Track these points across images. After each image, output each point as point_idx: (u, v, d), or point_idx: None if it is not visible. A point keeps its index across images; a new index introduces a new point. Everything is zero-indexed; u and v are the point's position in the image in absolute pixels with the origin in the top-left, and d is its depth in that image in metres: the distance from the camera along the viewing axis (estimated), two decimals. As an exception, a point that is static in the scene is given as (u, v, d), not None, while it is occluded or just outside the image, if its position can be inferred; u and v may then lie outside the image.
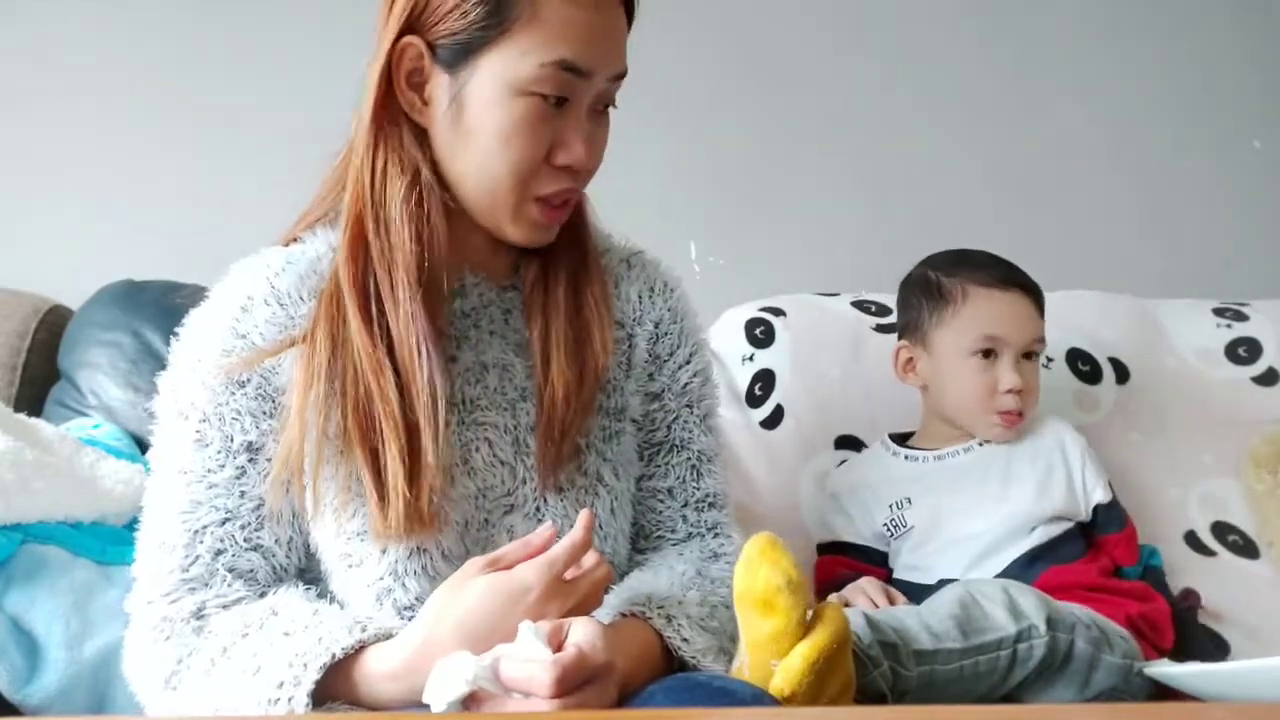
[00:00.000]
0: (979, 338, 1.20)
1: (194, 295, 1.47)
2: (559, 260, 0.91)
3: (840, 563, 1.23)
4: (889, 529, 1.22)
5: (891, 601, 1.09)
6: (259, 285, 0.83)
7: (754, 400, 1.43)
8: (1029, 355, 1.22)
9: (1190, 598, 1.24)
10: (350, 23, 1.75)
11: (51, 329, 1.47)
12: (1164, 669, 1.01)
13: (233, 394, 0.81)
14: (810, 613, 0.76)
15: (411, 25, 0.81)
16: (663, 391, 0.97)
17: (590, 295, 0.91)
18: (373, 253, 0.81)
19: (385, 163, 0.81)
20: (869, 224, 1.80)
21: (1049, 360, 1.46)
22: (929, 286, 1.26)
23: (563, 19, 0.78)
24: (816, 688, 0.73)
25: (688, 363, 0.98)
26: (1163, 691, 1.00)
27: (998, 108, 1.83)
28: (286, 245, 0.88)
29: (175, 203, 1.69)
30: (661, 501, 0.96)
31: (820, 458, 1.39)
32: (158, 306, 1.42)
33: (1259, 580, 1.27)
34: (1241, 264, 1.75)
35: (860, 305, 1.53)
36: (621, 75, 0.84)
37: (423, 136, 0.83)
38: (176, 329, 0.88)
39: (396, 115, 0.82)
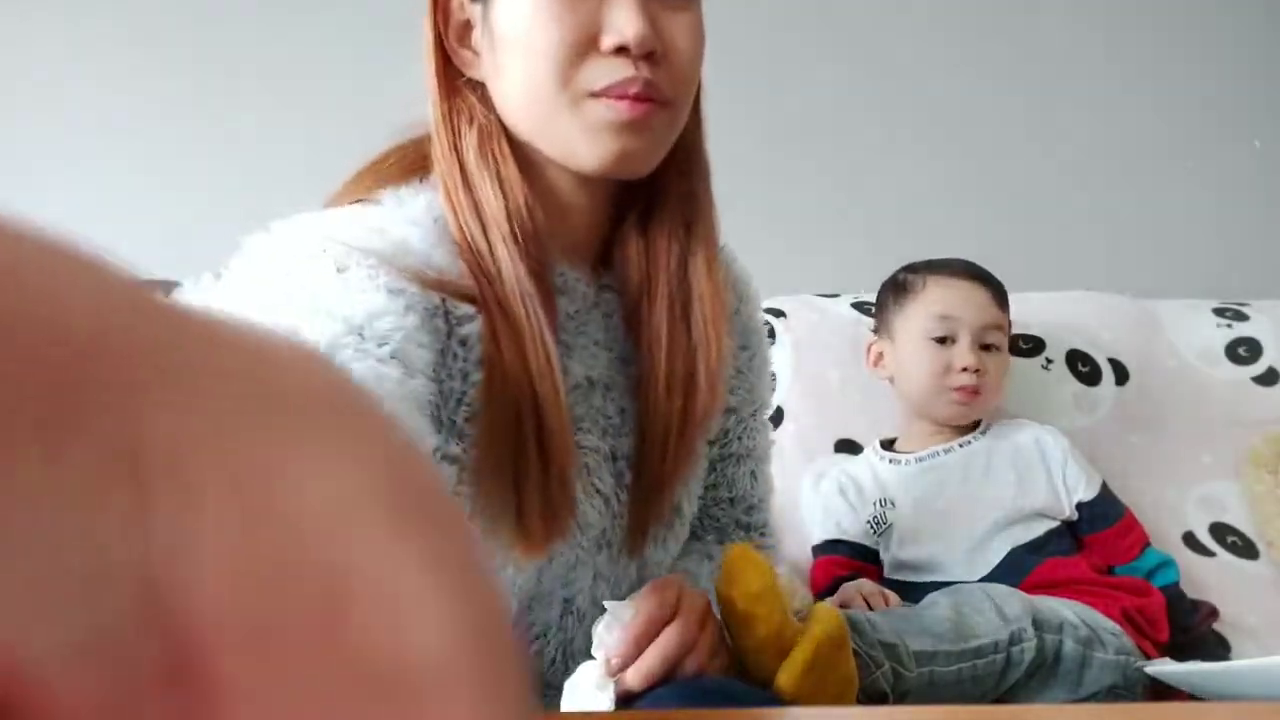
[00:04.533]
0: (934, 318, 1.24)
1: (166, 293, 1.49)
2: (664, 249, 0.75)
3: (836, 562, 1.25)
4: (873, 526, 1.24)
5: (886, 602, 1.10)
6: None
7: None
8: (987, 348, 1.25)
9: (1207, 613, 1.24)
10: (353, 22, 1.79)
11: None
12: (1163, 668, 1.01)
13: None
14: (805, 612, 0.75)
15: None
16: (740, 404, 0.88)
17: (701, 309, 0.75)
18: (465, 213, 0.69)
19: (456, 123, 0.71)
20: (868, 226, 1.80)
21: (1049, 362, 1.46)
22: (897, 284, 1.33)
23: None
24: (817, 687, 0.73)
25: (764, 367, 0.91)
26: (1162, 690, 1.00)
27: (995, 108, 1.83)
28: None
29: (170, 197, 1.69)
30: (721, 509, 0.91)
31: (819, 461, 1.40)
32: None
33: (1259, 581, 1.28)
34: (1242, 264, 1.75)
35: (860, 306, 1.53)
36: None
37: (484, 91, 0.72)
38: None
39: (455, 77, 0.72)
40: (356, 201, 0.70)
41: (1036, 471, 1.23)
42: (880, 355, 1.32)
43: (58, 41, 1.71)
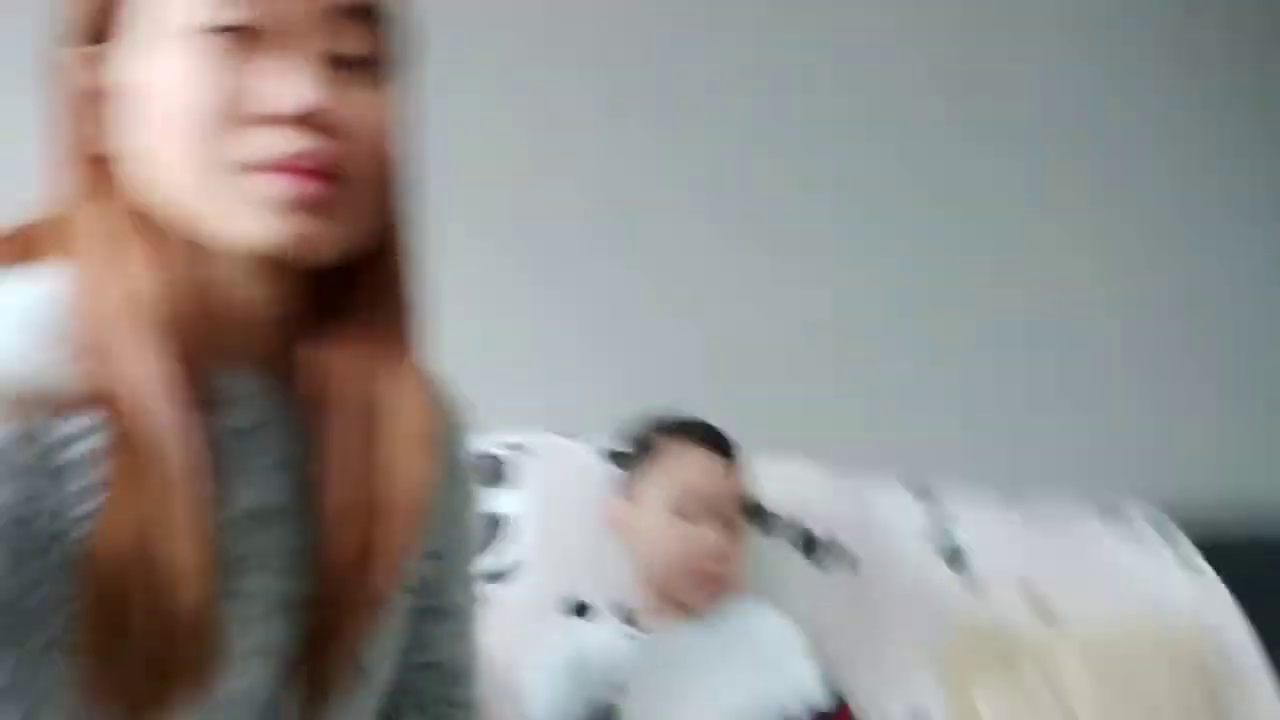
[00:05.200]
0: (678, 488, 1.20)
1: None
2: (348, 352, 0.65)
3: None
4: (598, 713, 1.15)
5: None
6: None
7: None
8: (729, 523, 1.22)
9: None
10: None
11: None
12: None
13: None
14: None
15: (71, 31, 0.62)
16: (446, 548, 0.77)
17: (391, 426, 0.65)
18: (86, 304, 0.58)
19: (79, 200, 0.62)
20: (613, 364, 1.75)
21: (769, 529, 1.46)
22: (640, 441, 1.29)
23: None
24: None
25: (474, 509, 0.82)
26: None
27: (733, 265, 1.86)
28: None
29: None
30: (422, 678, 0.78)
31: (547, 622, 1.29)
32: None
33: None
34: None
35: (603, 454, 1.46)
36: (358, 9, 0.60)
37: (115, 164, 0.61)
38: None
39: (85, 145, 0.62)
40: None
41: (780, 667, 1.20)
42: (619, 518, 1.25)
43: None
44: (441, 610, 0.78)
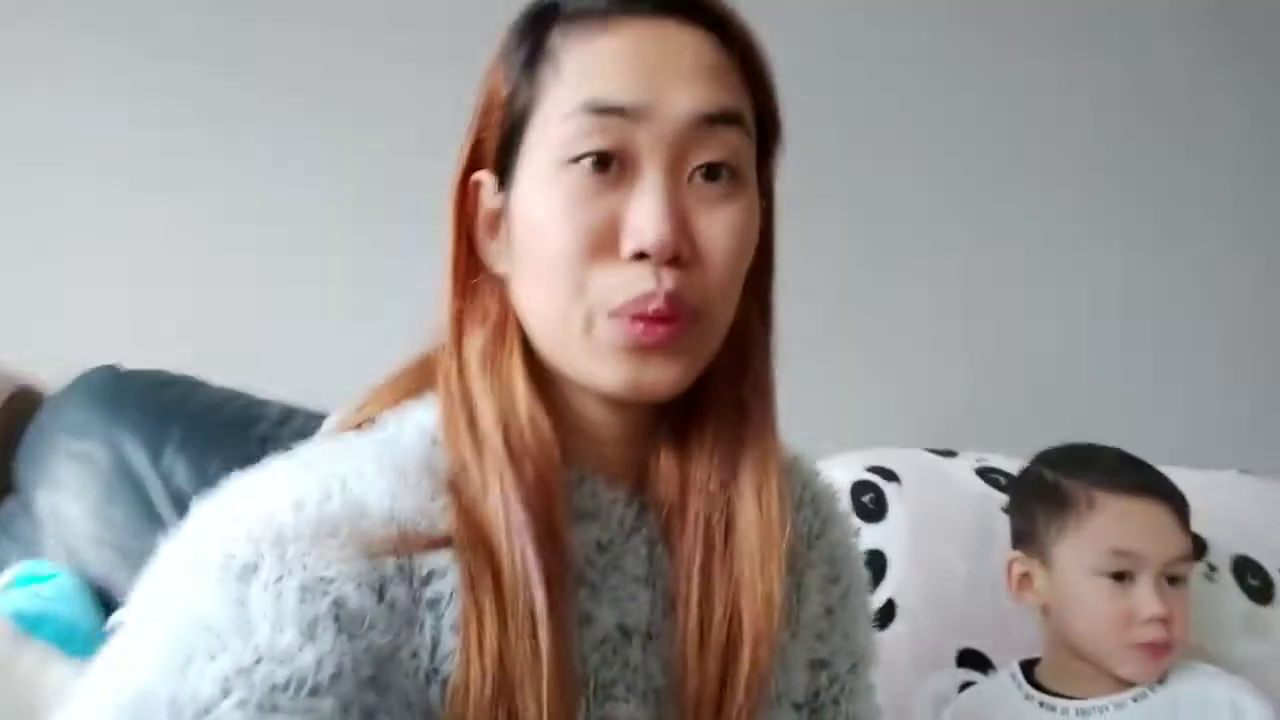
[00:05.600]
0: (1108, 554, 0.99)
1: (188, 391, 1.22)
2: (701, 466, 0.63)
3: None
4: None
5: None
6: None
7: (859, 589, 1.18)
8: (1173, 580, 1.01)
9: None
10: (383, 100, 1.55)
11: (15, 418, 1.20)
12: None
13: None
14: None
15: (476, 155, 0.62)
16: (833, 655, 0.73)
17: (746, 544, 0.62)
18: (459, 430, 0.59)
19: (467, 323, 0.63)
20: (972, 366, 1.55)
21: (1212, 569, 1.21)
22: (1046, 489, 1.06)
23: (584, 59, 0.58)
24: None
25: (862, 606, 0.76)
26: None
27: (1125, 234, 1.60)
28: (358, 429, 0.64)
29: (185, 278, 1.44)
30: None
31: (939, 677, 1.14)
32: (144, 408, 1.16)
33: None
34: None
35: (986, 476, 1.28)
36: (719, 117, 0.58)
37: (504, 286, 0.62)
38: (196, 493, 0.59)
39: (477, 271, 0.63)
40: (361, 424, 0.63)
41: None
42: (1026, 578, 1.06)
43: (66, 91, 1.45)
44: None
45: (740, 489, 0.62)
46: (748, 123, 0.60)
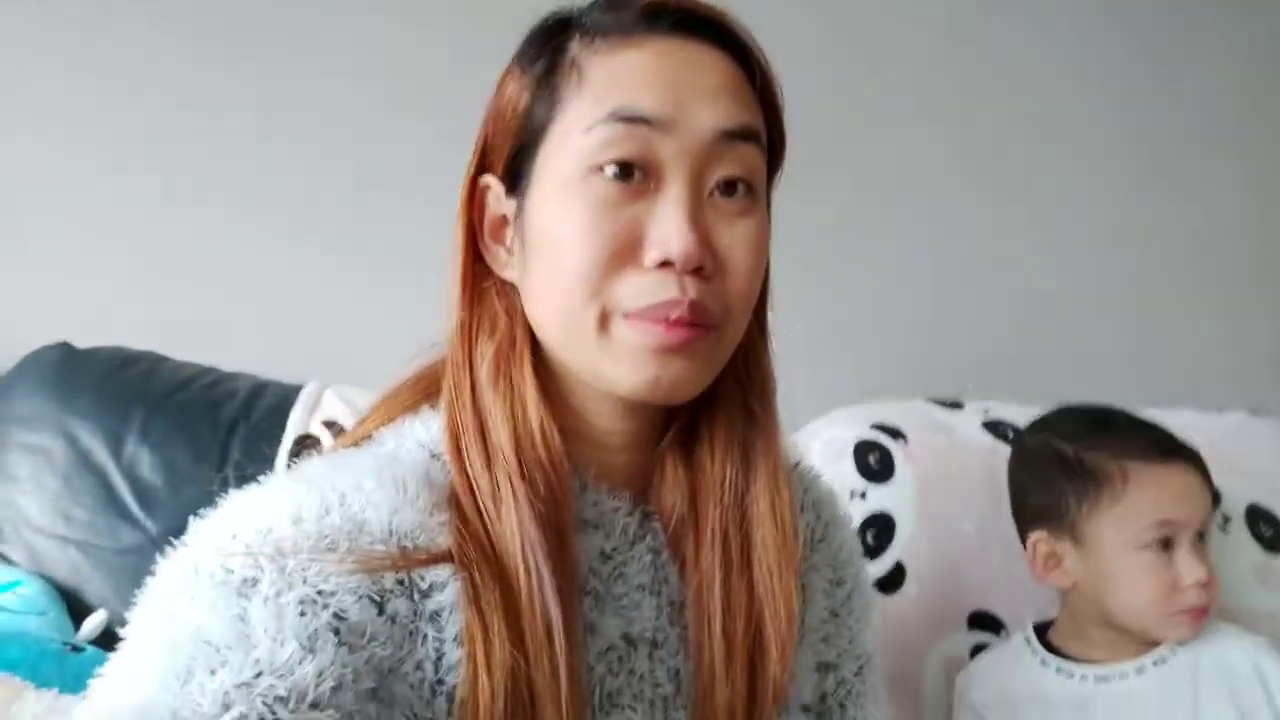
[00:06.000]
0: (1153, 526, 0.96)
1: (149, 370, 1.14)
2: (716, 478, 0.64)
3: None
4: None
5: None
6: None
7: (866, 552, 1.14)
8: (1201, 536, 0.99)
9: None
10: (351, 76, 1.44)
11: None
12: None
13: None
14: None
15: (485, 160, 0.63)
16: (839, 658, 0.74)
17: (765, 558, 0.63)
18: (468, 442, 0.60)
19: (475, 333, 0.63)
20: (971, 311, 1.50)
21: (1226, 520, 1.18)
22: (1070, 466, 1.01)
23: (610, 71, 0.59)
24: None
25: (866, 607, 0.76)
26: None
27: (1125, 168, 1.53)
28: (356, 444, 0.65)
29: (142, 245, 1.34)
30: None
31: (951, 639, 1.11)
32: (101, 392, 1.08)
33: None
34: None
35: (993, 429, 1.23)
36: (739, 133, 0.59)
37: (514, 295, 0.63)
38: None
39: (484, 278, 0.64)
40: (359, 440, 0.64)
41: (1261, 714, 0.95)
42: (1054, 558, 1.01)
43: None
44: None
45: (755, 500, 0.64)
46: (763, 141, 0.61)
